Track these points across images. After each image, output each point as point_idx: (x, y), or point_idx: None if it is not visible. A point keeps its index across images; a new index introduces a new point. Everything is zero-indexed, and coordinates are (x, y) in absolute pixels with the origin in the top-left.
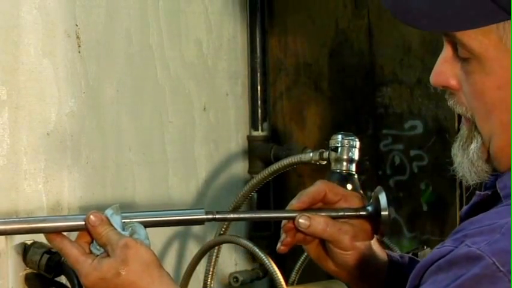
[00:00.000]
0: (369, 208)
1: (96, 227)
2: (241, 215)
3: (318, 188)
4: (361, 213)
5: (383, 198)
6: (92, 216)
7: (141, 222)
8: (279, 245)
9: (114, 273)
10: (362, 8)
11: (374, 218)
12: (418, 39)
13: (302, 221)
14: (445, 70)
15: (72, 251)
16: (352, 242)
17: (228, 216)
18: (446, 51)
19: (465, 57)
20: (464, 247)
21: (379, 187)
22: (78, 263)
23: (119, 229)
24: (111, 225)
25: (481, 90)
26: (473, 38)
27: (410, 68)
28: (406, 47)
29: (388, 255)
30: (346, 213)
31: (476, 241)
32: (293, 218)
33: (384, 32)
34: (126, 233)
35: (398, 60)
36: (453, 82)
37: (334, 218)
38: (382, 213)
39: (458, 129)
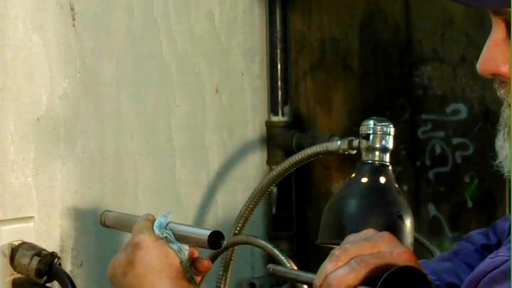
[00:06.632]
0: None
1: (139, 221)
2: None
3: None
4: None
5: None
6: (144, 214)
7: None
8: None
9: (122, 272)
10: None
11: None
12: (461, 10)
13: None
14: (494, 56)
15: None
16: None
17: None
18: (497, 33)
19: None
20: None
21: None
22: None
23: (156, 228)
24: (151, 221)
25: None
26: None
27: (453, 43)
28: (448, 20)
29: None
30: None
31: None
32: None
33: (422, 1)
34: (160, 234)
35: (439, 35)
36: (505, 69)
37: None
38: None
39: None
